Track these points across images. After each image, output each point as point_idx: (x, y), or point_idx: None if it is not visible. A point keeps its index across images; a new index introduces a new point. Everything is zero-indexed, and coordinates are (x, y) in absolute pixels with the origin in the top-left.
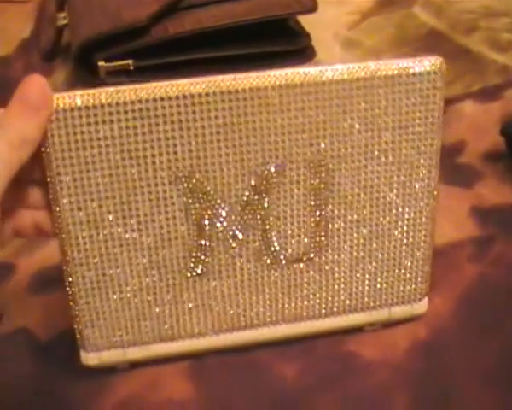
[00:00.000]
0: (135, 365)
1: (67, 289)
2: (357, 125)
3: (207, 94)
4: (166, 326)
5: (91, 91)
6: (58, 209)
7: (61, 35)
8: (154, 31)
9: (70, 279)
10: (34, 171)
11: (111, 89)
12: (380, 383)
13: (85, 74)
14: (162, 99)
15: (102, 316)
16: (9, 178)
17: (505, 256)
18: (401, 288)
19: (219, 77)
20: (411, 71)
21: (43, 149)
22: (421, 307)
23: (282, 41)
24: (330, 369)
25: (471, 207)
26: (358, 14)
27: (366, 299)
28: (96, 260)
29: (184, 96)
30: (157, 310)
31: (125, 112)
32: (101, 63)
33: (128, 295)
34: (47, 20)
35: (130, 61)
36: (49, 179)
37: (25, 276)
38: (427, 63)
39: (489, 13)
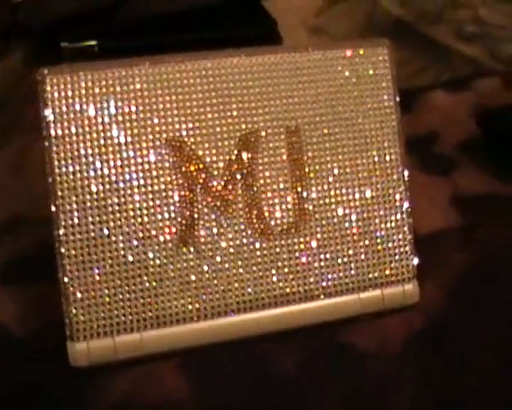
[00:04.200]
0: (127, 363)
1: (58, 264)
2: (323, 96)
3: (191, 70)
4: (155, 306)
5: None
6: (52, 178)
7: (17, 13)
8: (122, 11)
9: (60, 250)
10: None
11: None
12: (379, 375)
13: (48, 55)
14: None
15: (91, 294)
16: None
17: (491, 243)
18: (389, 265)
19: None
20: (363, 50)
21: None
22: (413, 290)
23: (249, 26)
24: (328, 362)
25: (452, 196)
26: (325, 1)
27: (357, 278)
28: (85, 228)
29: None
30: (146, 286)
31: (116, 79)
32: (64, 44)
33: (117, 268)
34: None
35: (93, 42)
36: (46, 144)
37: None
38: (377, 43)
39: (452, 5)
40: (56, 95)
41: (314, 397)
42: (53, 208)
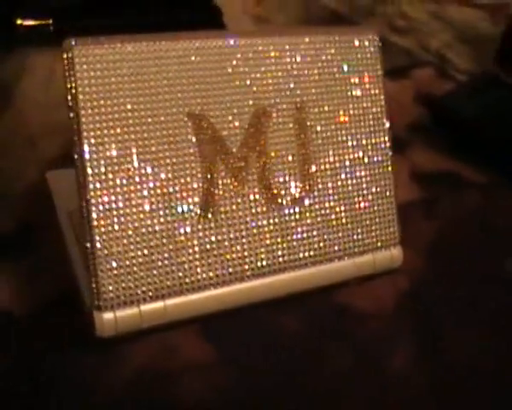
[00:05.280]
0: (143, 332)
1: (85, 233)
2: (323, 76)
3: (209, 47)
4: (179, 274)
5: (109, 37)
6: (80, 148)
7: None
8: None
9: (89, 219)
10: None
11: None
12: (379, 331)
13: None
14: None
15: (119, 263)
16: None
17: (455, 213)
18: (379, 231)
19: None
20: (357, 37)
21: (68, 87)
22: (398, 254)
23: (196, 13)
24: (330, 320)
25: (410, 172)
26: None
27: (354, 244)
28: (113, 198)
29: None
30: (170, 255)
31: (142, 52)
32: (19, 21)
33: (144, 238)
34: None
35: (49, 21)
36: (73, 116)
37: None
38: (366, 30)
39: (381, 0)
40: (85, 67)
41: (324, 353)
42: (81, 179)
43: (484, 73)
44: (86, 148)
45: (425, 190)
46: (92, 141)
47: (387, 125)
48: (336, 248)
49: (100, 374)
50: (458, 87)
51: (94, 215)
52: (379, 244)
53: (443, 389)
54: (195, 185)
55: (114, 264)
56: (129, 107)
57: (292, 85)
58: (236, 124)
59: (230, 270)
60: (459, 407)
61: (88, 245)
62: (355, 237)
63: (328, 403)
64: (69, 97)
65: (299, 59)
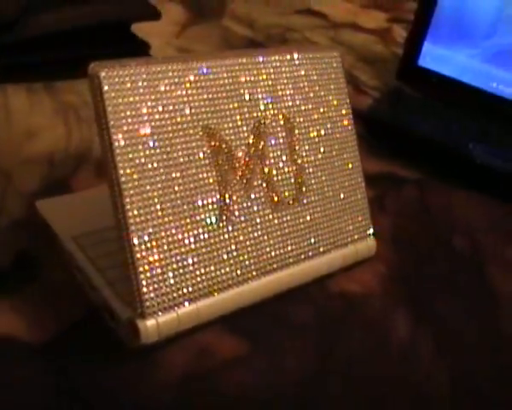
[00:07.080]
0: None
1: (125, 246)
2: (303, 90)
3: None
4: (207, 276)
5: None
6: (114, 164)
7: None
8: (19, 29)
9: (129, 236)
10: None
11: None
12: (379, 307)
13: None
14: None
15: (158, 271)
16: None
17: (401, 205)
18: (359, 224)
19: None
20: (325, 54)
21: (98, 109)
22: (373, 243)
23: (125, 46)
24: (337, 305)
25: None
26: (178, 25)
27: (340, 236)
28: (147, 210)
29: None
30: (198, 259)
31: (160, 73)
32: None
33: (175, 245)
34: None
35: None
36: (103, 133)
37: None
38: (333, 50)
39: (288, 28)
40: (112, 87)
41: (335, 335)
42: (116, 196)
43: (391, 89)
44: (120, 164)
45: (373, 189)
46: (125, 157)
47: (353, 130)
48: (329, 241)
49: (142, 383)
50: (378, 101)
51: (132, 228)
52: (359, 235)
53: (442, 347)
54: (213, 193)
55: (153, 273)
56: (153, 124)
57: (281, 99)
58: (241, 135)
59: (248, 268)
60: (461, 365)
61: (129, 260)
62: (341, 230)
63: (351, 380)
64: (100, 118)
65: (284, 75)
